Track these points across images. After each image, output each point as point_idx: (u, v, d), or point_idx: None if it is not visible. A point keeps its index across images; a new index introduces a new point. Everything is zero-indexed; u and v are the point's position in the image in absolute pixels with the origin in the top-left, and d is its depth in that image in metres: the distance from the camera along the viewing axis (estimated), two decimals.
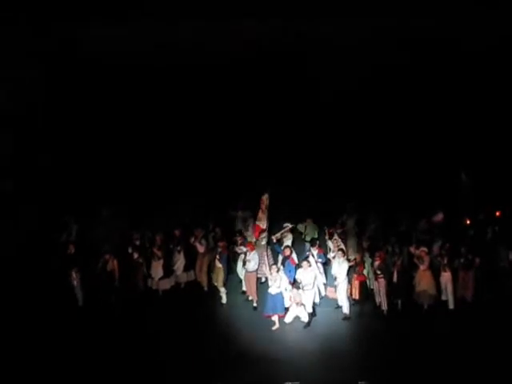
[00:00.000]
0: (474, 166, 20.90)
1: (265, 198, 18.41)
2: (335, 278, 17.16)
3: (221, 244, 18.10)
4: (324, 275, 17.70)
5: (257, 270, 17.76)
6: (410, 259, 17.86)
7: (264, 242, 18.19)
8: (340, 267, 17.05)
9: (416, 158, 21.78)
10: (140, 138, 22.39)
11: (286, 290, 16.75)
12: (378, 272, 17.17)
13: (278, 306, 16.65)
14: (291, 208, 19.65)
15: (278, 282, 16.64)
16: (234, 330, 16.92)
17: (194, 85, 22.21)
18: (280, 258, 18.26)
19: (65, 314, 17.45)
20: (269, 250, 18.16)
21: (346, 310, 17.19)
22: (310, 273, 16.84)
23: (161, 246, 18.37)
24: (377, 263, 17.19)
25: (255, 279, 17.82)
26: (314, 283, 16.90)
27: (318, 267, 17.56)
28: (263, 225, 18.32)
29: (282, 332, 16.62)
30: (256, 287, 17.79)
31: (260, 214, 18.40)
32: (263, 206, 18.36)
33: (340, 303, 17.30)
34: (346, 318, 17.15)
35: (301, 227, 19.34)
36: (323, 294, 17.80)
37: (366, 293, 17.44)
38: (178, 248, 18.46)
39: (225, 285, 18.12)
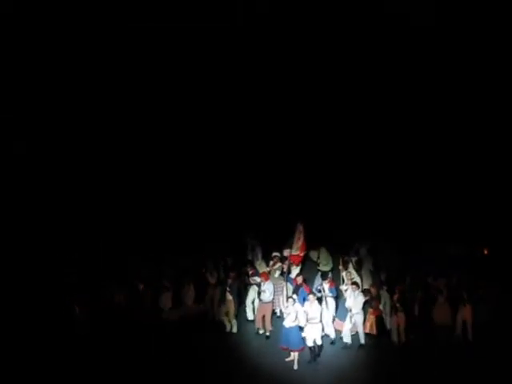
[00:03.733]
0: (491, 195, 20.40)
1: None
2: (350, 310, 16.68)
3: (231, 275, 17.64)
4: (334, 310, 17.19)
5: (272, 300, 17.36)
6: (428, 291, 17.28)
7: (277, 274, 17.77)
8: (355, 300, 16.62)
9: (433, 186, 21.29)
10: (151, 167, 22.24)
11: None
12: (398, 305, 16.65)
13: (292, 341, 16.12)
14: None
15: (292, 315, 16.11)
16: (245, 363, 16.50)
17: (211, 119, 22.42)
18: (291, 287, 17.73)
19: (70, 347, 17.00)
20: (287, 282, 17.62)
21: (347, 339, 16.79)
22: (317, 306, 16.41)
23: (170, 276, 17.93)
24: (396, 296, 16.69)
25: (271, 310, 17.42)
26: (320, 317, 16.46)
27: (327, 302, 17.12)
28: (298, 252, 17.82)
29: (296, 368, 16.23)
30: (271, 318, 17.40)
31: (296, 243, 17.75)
32: (300, 235, 17.78)
33: (342, 334, 16.88)
34: (345, 346, 16.77)
35: (313, 255, 18.75)
36: (332, 329, 17.22)
37: (383, 327, 16.95)
38: (188, 279, 17.95)
39: (236, 316, 17.69)
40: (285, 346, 16.30)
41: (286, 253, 17.92)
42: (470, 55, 21.46)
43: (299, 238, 17.87)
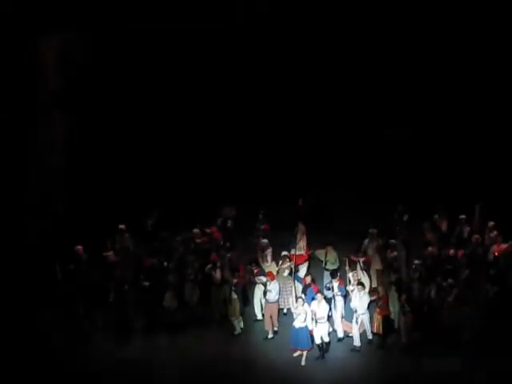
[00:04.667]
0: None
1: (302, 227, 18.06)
2: (355, 311, 16.53)
3: (236, 274, 17.36)
4: (342, 308, 16.97)
5: (278, 300, 17.16)
6: (437, 290, 17.02)
7: (286, 273, 17.50)
8: (360, 301, 16.47)
9: (442, 182, 21.15)
10: (159, 161, 22.31)
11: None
12: (406, 305, 16.41)
13: (301, 341, 15.97)
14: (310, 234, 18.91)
15: (302, 316, 15.90)
16: (252, 359, 16.45)
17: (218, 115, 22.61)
18: (300, 287, 17.51)
19: (71, 344, 16.90)
20: (296, 282, 17.43)
21: (357, 342, 16.65)
22: (325, 305, 16.26)
23: (175, 274, 17.59)
24: (404, 297, 16.46)
25: (277, 310, 17.23)
26: (327, 316, 16.35)
27: (335, 300, 16.92)
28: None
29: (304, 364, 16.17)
30: (278, 318, 17.21)
31: (301, 243, 18.08)
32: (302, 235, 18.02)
33: (352, 334, 16.74)
34: (354, 349, 16.64)
35: (320, 254, 18.48)
36: (340, 326, 17.04)
37: (390, 327, 16.76)
38: (193, 278, 17.63)
39: (241, 315, 17.46)
40: (294, 347, 16.18)
41: (292, 252, 17.85)
42: None
43: (301, 239, 18.23)
